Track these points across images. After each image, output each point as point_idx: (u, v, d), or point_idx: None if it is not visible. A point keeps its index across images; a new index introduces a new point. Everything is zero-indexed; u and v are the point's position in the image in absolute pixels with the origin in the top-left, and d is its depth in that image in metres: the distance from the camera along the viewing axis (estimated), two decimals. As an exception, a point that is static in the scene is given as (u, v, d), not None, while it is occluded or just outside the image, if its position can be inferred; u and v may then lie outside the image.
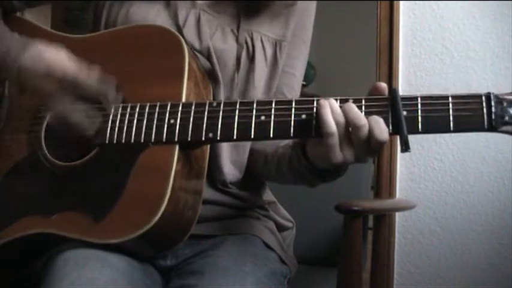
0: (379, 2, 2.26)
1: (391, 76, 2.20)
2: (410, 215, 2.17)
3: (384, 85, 0.88)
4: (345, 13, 4.62)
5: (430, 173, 2.17)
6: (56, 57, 0.96)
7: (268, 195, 1.23)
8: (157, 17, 1.10)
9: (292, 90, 1.17)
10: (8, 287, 1.07)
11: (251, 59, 1.10)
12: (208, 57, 1.07)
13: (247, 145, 1.12)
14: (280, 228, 1.20)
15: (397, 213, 2.16)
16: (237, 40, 1.11)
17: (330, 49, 4.41)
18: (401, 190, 2.19)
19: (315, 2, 1.19)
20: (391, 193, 2.13)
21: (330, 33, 4.06)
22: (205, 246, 1.07)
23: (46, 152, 1.01)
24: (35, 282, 0.95)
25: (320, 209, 1.54)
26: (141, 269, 0.99)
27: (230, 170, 1.10)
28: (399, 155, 2.16)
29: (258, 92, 1.10)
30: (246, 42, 1.11)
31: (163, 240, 0.97)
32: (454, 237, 2.14)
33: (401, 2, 2.21)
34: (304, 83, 1.54)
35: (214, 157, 1.07)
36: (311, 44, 1.20)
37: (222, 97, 1.07)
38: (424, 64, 2.19)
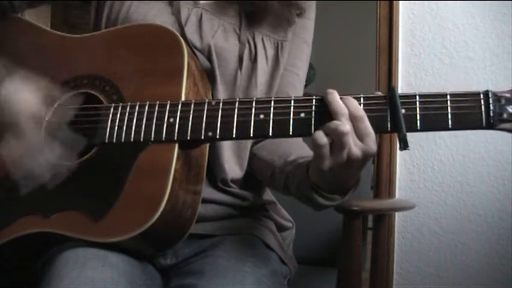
0: (378, 2, 2.26)
1: (390, 76, 2.20)
2: (410, 215, 2.17)
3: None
4: (345, 13, 4.62)
5: (429, 173, 2.16)
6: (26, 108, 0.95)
7: (268, 195, 1.23)
8: (159, 15, 1.10)
9: (295, 90, 1.17)
10: (8, 287, 1.07)
11: (253, 58, 1.10)
12: (209, 56, 1.07)
13: (247, 142, 1.12)
14: (280, 228, 1.20)
15: (396, 213, 2.16)
16: (239, 39, 1.11)
17: (330, 49, 4.40)
18: (400, 190, 2.19)
19: (315, 2, 1.19)
20: (390, 193, 2.13)
21: (330, 33, 4.05)
22: (205, 246, 1.08)
23: None
24: (35, 282, 0.95)
25: (320, 209, 1.54)
26: (141, 269, 0.99)
27: (231, 167, 1.10)
28: (399, 155, 2.16)
29: (259, 91, 1.10)
30: (248, 42, 1.11)
31: (162, 238, 0.97)
32: (453, 237, 2.14)
33: (400, 2, 2.21)
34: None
35: (216, 155, 1.07)
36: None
37: (221, 96, 1.07)
38: (424, 64, 2.19)
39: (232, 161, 1.10)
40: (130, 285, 0.93)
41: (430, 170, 2.16)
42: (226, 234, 1.10)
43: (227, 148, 1.09)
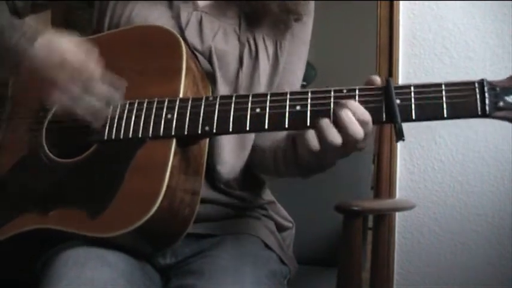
0: (379, 2, 2.26)
1: (391, 76, 2.20)
2: (410, 215, 2.17)
3: (377, 78, 0.89)
4: (345, 13, 4.62)
5: (430, 173, 2.16)
6: (71, 49, 0.95)
7: (267, 195, 1.23)
8: (160, 18, 1.11)
9: (294, 88, 1.17)
10: (8, 287, 1.07)
11: (255, 57, 1.11)
12: (210, 58, 1.08)
13: (249, 144, 1.12)
14: (280, 228, 1.20)
15: (397, 213, 2.16)
16: (238, 39, 1.11)
17: (330, 49, 4.40)
18: (401, 190, 2.19)
19: (313, 2, 1.19)
20: (391, 193, 2.13)
21: (330, 33, 4.05)
22: (205, 245, 1.08)
23: (46, 149, 1.02)
24: (34, 282, 0.95)
25: (320, 209, 1.54)
26: (140, 269, 0.99)
27: (231, 167, 1.10)
28: (399, 155, 2.16)
29: (261, 89, 1.11)
30: (248, 41, 1.11)
31: (159, 236, 0.97)
32: (454, 237, 2.14)
33: (401, 2, 2.21)
34: (304, 83, 1.54)
35: (215, 155, 1.07)
36: (311, 44, 1.21)
37: None
38: (424, 64, 2.19)
39: (232, 161, 1.10)
40: (129, 285, 0.93)
41: (430, 169, 2.16)
42: (225, 234, 1.10)
43: (227, 149, 1.09)
